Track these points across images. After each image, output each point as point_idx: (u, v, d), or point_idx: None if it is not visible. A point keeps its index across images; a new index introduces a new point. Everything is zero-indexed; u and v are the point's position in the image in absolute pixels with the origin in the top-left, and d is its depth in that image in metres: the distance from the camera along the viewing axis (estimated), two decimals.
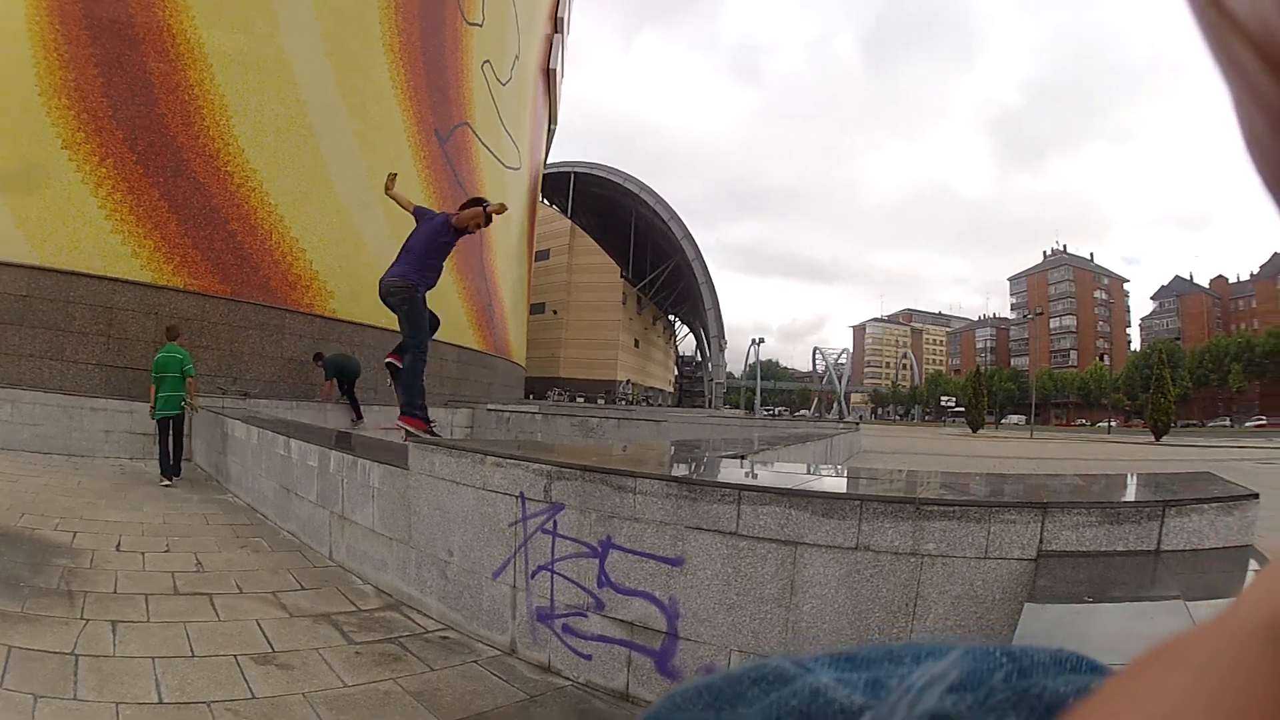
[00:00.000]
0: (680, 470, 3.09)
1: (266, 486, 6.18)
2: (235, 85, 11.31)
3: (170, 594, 3.77)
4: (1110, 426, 48.35)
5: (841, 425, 19.79)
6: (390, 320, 5.00)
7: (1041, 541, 2.47)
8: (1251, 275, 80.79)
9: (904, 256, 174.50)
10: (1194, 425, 62.54)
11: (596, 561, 3.07)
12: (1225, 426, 60.25)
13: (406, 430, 4.38)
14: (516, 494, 3.39)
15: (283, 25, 11.99)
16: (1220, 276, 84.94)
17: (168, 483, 7.24)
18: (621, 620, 3.01)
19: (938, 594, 2.52)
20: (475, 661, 3.28)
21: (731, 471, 3.54)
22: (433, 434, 4.39)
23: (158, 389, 7.45)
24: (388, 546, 4.19)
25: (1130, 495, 2.84)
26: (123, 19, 10.47)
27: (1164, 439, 25.06)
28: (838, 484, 3.07)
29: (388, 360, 4.83)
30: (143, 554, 4.47)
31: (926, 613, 2.54)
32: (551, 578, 3.23)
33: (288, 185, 11.94)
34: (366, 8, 13.65)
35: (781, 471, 3.74)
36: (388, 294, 4.64)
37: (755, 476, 3.02)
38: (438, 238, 4.70)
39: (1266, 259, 77.88)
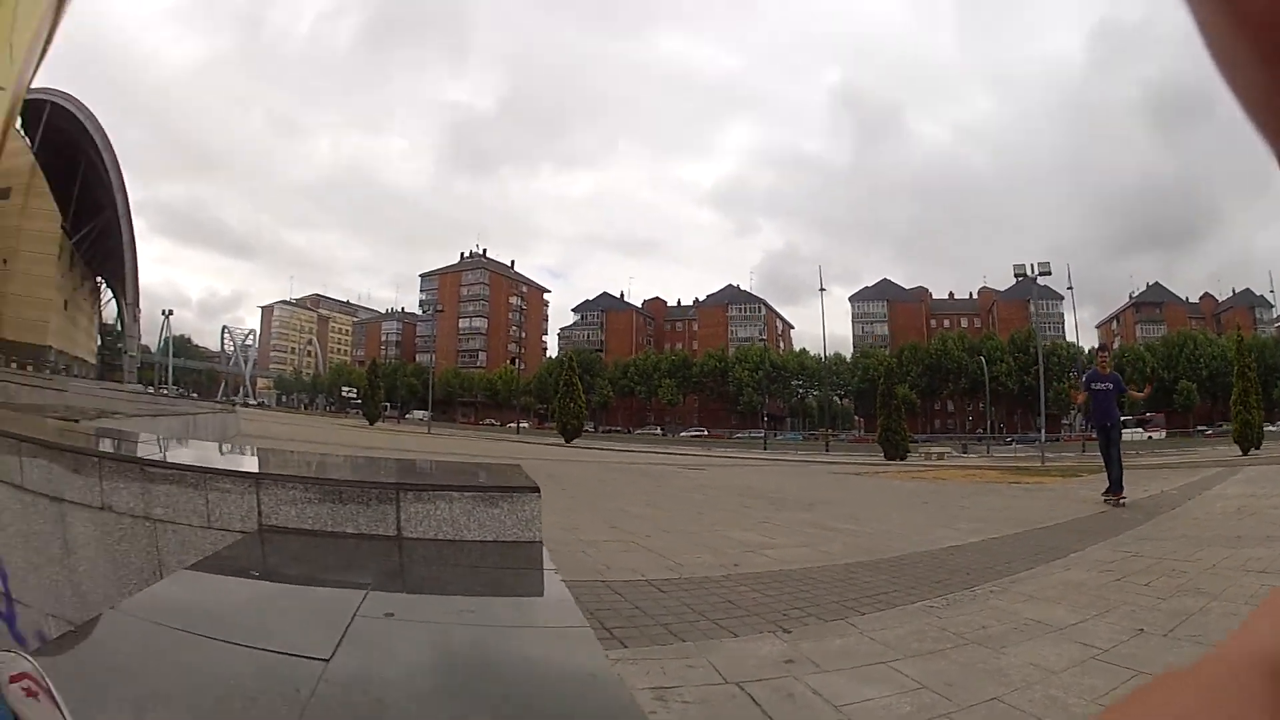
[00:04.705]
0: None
1: None
2: None
3: None
4: (520, 427, 47.46)
5: (217, 406, 19.46)
6: None
7: (260, 515, 2.15)
8: (696, 301, 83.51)
9: (318, 238, 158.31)
10: (617, 431, 63.84)
11: None
12: (656, 435, 61.34)
13: None
14: None
15: None
16: (658, 298, 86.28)
17: None
18: None
19: (177, 564, 2.24)
20: None
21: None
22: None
23: None
24: None
25: (370, 477, 2.49)
26: None
27: (574, 441, 24.36)
28: (89, 441, 2.76)
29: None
30: None
31: None
32: None
33: None
34: None
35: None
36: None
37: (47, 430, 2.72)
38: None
39: (719, 289, 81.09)
